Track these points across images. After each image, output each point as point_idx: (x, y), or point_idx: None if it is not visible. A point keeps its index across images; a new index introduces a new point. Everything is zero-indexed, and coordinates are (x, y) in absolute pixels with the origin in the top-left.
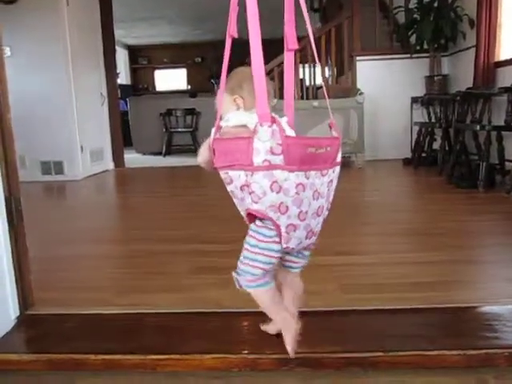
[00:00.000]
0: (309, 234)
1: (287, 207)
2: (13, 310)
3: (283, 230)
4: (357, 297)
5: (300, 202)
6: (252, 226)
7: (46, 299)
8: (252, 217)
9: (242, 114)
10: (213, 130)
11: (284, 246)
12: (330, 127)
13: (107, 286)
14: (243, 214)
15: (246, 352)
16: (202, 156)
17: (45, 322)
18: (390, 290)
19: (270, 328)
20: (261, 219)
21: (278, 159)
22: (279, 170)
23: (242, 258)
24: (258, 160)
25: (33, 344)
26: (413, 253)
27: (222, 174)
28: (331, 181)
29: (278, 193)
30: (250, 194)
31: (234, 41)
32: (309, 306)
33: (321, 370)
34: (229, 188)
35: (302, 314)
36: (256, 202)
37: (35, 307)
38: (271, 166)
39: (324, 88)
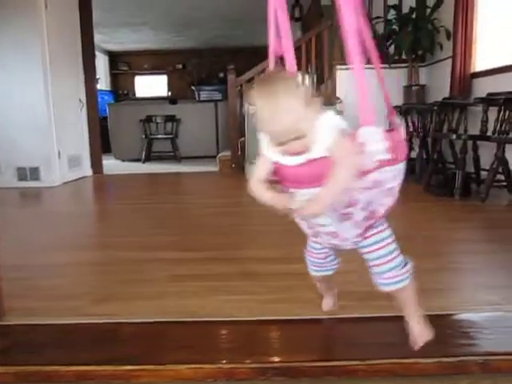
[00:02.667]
0: None
1: None
2: None
3: None
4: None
5: None
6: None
7: (17, 308)
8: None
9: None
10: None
11: None
12: None
13: (82, 294)
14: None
15: (222, 362)
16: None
17: (15, 332)
18: (366, 297)
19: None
20: None
21: None
22: None
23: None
24: None
25: (2, 355)
26: None
27: None
28: None
29: None
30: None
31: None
32: (286, 314)
33: (298, 379)
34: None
35: (280, 323)
36: None
37: (6, 317)
38: None
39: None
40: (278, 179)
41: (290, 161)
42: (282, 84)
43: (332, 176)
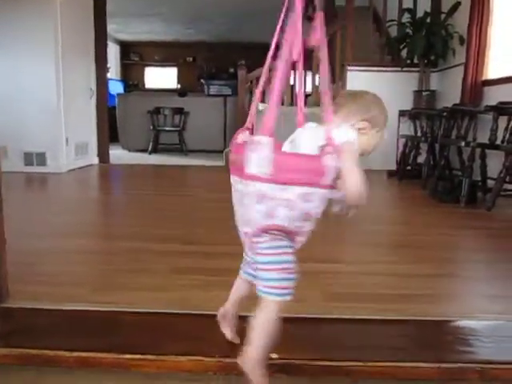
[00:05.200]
0: None
1: None
2: None
3: None
4: (337, 305)
5: None
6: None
7: (21, 292)
8: None
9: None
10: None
11: None
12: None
13: (85, 281)
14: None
15: (222, 355)
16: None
17: (18, 315)
18: (369, 299)
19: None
20: None
21: None
22: None
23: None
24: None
25: (5, 338)
26: (394, 264)
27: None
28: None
29: None
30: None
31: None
32: (290, 312)
33: (299, 377)
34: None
35: (283, 320)
36: None
37: (10, 300)
38: None
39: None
40: None
41: None
42: None
43: None
